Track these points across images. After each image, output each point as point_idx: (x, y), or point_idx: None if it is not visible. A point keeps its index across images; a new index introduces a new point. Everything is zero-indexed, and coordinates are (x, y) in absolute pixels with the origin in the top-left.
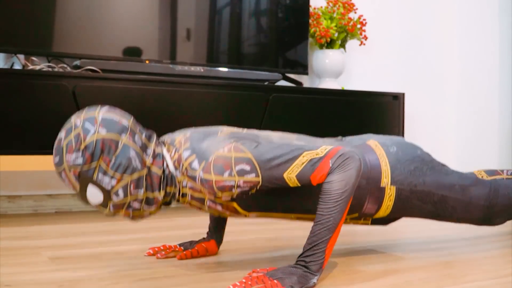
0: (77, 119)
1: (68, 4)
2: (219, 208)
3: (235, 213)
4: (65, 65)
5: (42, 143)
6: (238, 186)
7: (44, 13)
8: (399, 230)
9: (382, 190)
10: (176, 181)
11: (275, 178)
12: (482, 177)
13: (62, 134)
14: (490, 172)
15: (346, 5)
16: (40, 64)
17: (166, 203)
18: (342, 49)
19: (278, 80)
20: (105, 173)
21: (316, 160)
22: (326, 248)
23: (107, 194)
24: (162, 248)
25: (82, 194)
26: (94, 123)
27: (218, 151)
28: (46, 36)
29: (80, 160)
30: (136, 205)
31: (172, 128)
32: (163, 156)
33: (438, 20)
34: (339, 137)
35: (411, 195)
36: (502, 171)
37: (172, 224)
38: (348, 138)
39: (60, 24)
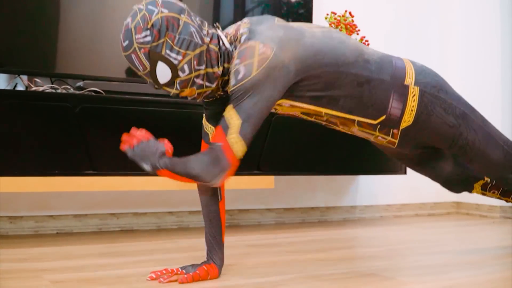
0: (139, 5)
1: (72, 25)
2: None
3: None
4: (68, 86)
5: (44, 164)
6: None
7: (47, 34)
8: (400, 253)
9: (406, 87)
10: (232, 57)
11: (230, 100)
12: None
13: (128, 20)
14: None
15: (349, 26)
16: (43, 85)
17: (225, 82)
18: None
19: None
20: (171, 48)
21: (228, 131)
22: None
23: (174, 70)
24: (164, 272)
25: (152, 74)
26: (156, 5)
27: (259, 44)
28: (49, 57)
29: (149, 38)
30: (199, 81)
31: (177, 148)
32: (218, 35)
33: (442, 39)
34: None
35: (434, 99)
36: None
37: (174, 245)
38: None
39: (63, 45)
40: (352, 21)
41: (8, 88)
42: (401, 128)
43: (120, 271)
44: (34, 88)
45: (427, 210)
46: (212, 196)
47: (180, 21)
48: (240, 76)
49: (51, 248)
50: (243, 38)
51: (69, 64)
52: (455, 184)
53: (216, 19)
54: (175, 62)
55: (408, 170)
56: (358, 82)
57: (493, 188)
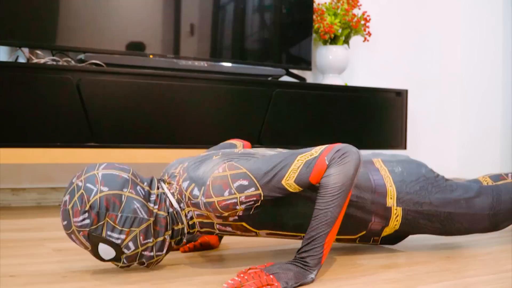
0: (78, 181)
1: None
2: (229, 229)
3: (246, 232)
4: (69, 59)
5: (46, 136)
6: (241, 203)
7: (48, 7)
8: None
9: (389, 210)
10: (182, 216)
11: (274, 188)
12: (487, 183)
13: (66, 197)
14: (495, 178)
15: (350, 1)
16: (44, 58)
17: (177, 242)
18: (345, 45)
19: (281, 76)
20: (113, 229)
21: (311, 160)
22: (325, 243)
23: (118, 249)
24: None
25: (94, 252)
26: (95, 182)
27: (214, 173)
28: (51, 30)
29: (87, 221)
30: (148, 253)
31: (177, 121)
32: (165, 195)
33: (442, 17)
34: None
35: (417, 215)
36: (507, 174)
37: None
38: None
39: (65, 18)
40: None
41: (10, 60)
42: (382, 236)
43: None
44: (35, 61)
45: None
46: None
47: (123, 197)
48: (247, 182)
49: (54, 218)
50: (195, 191)
51: (70, 37)
52: None
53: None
54: (118, 241)
55: (409, 145)
56: None
57: None
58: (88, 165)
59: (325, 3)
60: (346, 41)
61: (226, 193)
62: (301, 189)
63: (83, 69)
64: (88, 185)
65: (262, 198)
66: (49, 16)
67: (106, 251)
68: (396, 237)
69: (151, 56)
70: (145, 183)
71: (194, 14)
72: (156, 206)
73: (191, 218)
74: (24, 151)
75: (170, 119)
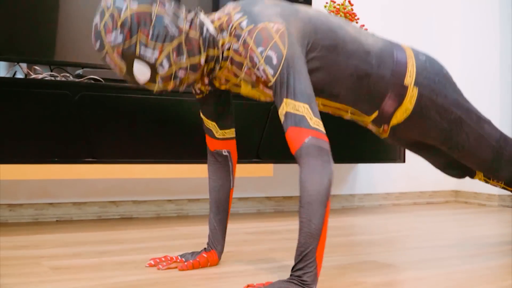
0: (107, 1)
1: (71, 12)
2: (253, 78)
3: (263, 88)
4: (67, 74)
5: (44, 152)
6: (257, 69)
7: (46, 22)
8: (400, 240)
9: (405, 88)
10: (219, 43)
11: (278, 93)
12: None
13: (96, 18)
14: None
15: (348, 14)
16: (42, 73)
17: (210, 70)
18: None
19: None
20: (146, 45)
21: (305, 121)
22: (316, 257)
23: (153, 67)
24: (163, 259)
25: (129, 74)
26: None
27: (269, 23)
28: (49, 45)
29: (120, 38)
30: (181, 73)
31: (175, 136)
32: (200, 20)
33: (440, 30)
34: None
35: (431, 105)
36: None
37: (173, 233)
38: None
39: (63, 33)
40: (352, 9)
41: (8, 76)
42: (391, 124)
43: (119, 258)
44: (33, 76)
45: (426, 198)
46: (224, 182)
47: (152, 14)
48: (275, 62)
49: (51, 235)
50: (244, 23)
51: (68, 52)
52: (455, 169)
53: (215, 5)
54: (152, 59)
55: (407, 158)
56: (358, 75)
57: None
58: None
59: None
60: None
61: (259, 50)
62: (281, 119)
63: (81, 85)
64: (118, 3)
65: (268, 85)
66: (47, 31)
67: (141, 71)
68: (402, 140)
69: None
70: (173, 3)
71: None
72: (187, 26)
73: (228, 49)
74: (22, 167)
75: (168, 134)
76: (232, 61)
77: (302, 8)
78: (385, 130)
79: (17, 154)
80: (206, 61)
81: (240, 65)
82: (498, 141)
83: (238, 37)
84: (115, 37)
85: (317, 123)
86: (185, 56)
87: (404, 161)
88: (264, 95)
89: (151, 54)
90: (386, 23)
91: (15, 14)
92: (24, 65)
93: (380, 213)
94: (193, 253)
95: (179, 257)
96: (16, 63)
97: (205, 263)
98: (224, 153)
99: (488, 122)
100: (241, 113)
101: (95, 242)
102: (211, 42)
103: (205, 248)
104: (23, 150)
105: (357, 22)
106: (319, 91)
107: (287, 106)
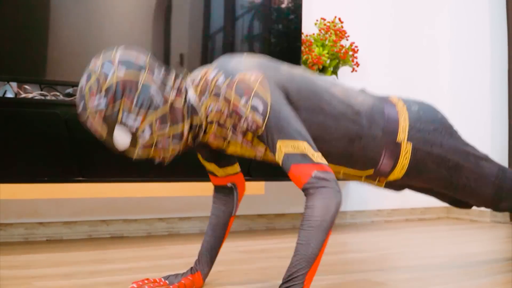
0: (95, 64)
1: (61, 31)
2: (239, 138)
3: (251, 147)
4: (57, 93)
5: (34, 172)
6: (245, 120)
7: (36, 41)
8: (391, 258)
9: (398, 145)
10: (202, 109)
11: (270, 138)
12: None
13: (83, 80)
14: None
15: (338, 32)
16: (32, 92)
17: (194, 137)
18: (334, 76)
19: None
20: (129, 113)
21: (308, 158)
22: (305, 280)
23: (134, 134)
24: (146, 281)
25: (110, 139)
26: (112, 64)
27: (246, 74)
28: (39, 64)
29: (103, 103)
30: (164, 142)
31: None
32: (185, 87)
33: (430, 48)
34: (362, 89)
35: (427, 156)
36: None
37: (165, 252)
38: (370, 92)
39: (53, 52)
40: (342, 27)
41: None
42: (388, 179)
43: (110, 278)
44: (23, 95)
45: (418, 215)
46: (225, 209)
47: (139, 82)
48: (261, 109)
49: (41, 255)
50: (220, 79)
51: (58, 71)
52: (461, 203)
53: (206, 27)
54: (134, 127)
55: None
56: (349, 138)
57: None
58: (105, 49)
59: (313, 34)
60: (335, 72)
61: (243, 101)
62: (278, 163)
63: (71, 104)
64: (105, 67)
65: (258, 134)
66: (37, 50)
67: (121, 136)
68: (401, 186)
69: None
70: (163, 71)
71: (184, 44)
72: (173, 94)
73: (212, 111)
74: (12, 186)
75: None
76: (218, 124)
77: (284, 66)
78: (381, 182)
79: (7, 174)
80: (191, 128)
81: (226, 127)
82: (497, 175)
83: (217, 95)
84: (98, 102)
85: (320, 158)
86: (168, 125)
87: None
88: (252, 152)
89: (133, 121)
90: (376, 41)
91: (4, 33)
92: (14, 84)
93: (372, 230)
94: (177, 275)
95: (162, 279)
96: (6, 82)
97: (190, 286)
98: (228, 186)
99: (486, 159)
100: None
101: (85, 262)
102: (193, 110)
103: (191, 268)
104: (12, 169)
105: (347, 40)
106: None
107: (284, 148)
